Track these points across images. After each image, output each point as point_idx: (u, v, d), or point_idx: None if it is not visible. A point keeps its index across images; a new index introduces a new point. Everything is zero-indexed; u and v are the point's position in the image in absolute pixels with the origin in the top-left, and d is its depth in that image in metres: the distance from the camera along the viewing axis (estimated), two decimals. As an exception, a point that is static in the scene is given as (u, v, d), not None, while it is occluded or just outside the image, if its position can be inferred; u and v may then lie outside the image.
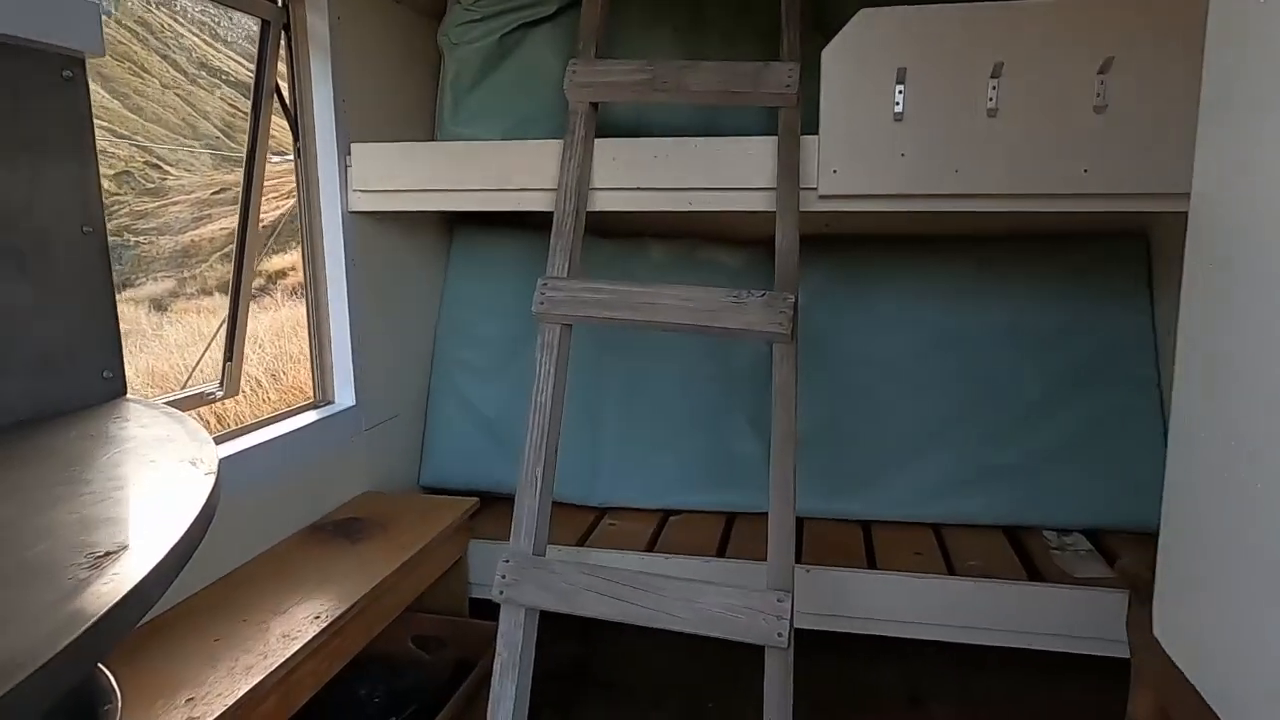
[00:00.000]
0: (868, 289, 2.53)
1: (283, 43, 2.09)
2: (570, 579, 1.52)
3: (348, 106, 2.15)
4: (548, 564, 1.54)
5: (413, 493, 2.57)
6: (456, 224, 2.73)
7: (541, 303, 1.70)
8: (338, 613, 1.57)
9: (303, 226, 2.19)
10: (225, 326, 2.16)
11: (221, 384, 2.15)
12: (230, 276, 2.11)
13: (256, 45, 2.08)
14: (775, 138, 1.88)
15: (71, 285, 1.26)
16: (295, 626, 1.51)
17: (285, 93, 2.13)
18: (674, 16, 2.32)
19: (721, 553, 2.25)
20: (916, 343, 2.50)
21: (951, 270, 2.50)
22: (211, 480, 0.95)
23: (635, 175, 1.97)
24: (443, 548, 2.06)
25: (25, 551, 0.74)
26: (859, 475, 2.46)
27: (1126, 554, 2.19)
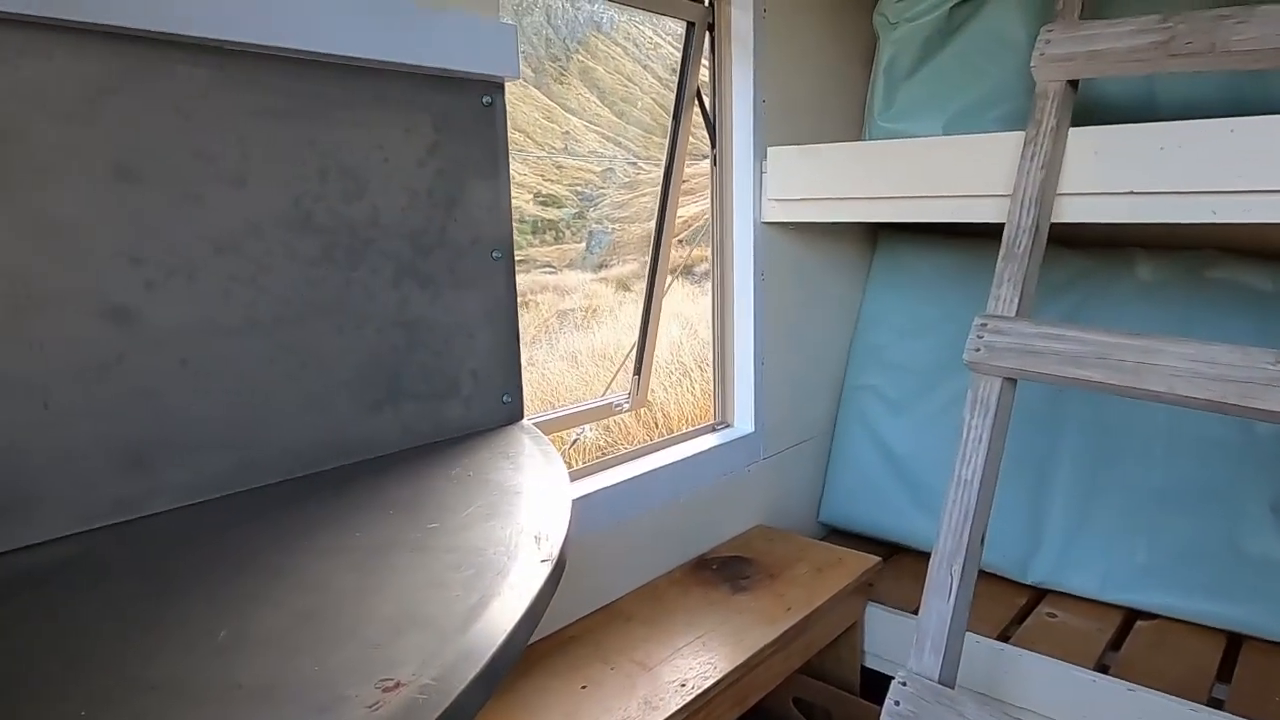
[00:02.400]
0: None
1: (706, 46, 1.98)
2: (988, 723, 1.14)
3: (767, 107, 1.96)
4: (956, 701, 1.18)
5: (807, 530, 2.34)
6: (881, 232, 2.40)
7: (978, 349, 1.32)
8: (707, 683, 1.40)
9: (714, 238, 2.07)
10: (635, 344, 2.15)
11: (629, 396, 2.15)
12: (643, 291, 2.08)
13: (680, 49, 1.99)
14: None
15: (480, 310, 1.25)
16: (659, 692, 1.37)
17: (707, 100, 2.02)
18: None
19: (1217, 701, 1.61)
20: None
21: None
22: (544, 574, 0.81)
23: (1127, 175, 1.45)
24: (837, 611, 1.79)
25: (315, 665, 0.64)
26: None
27: None
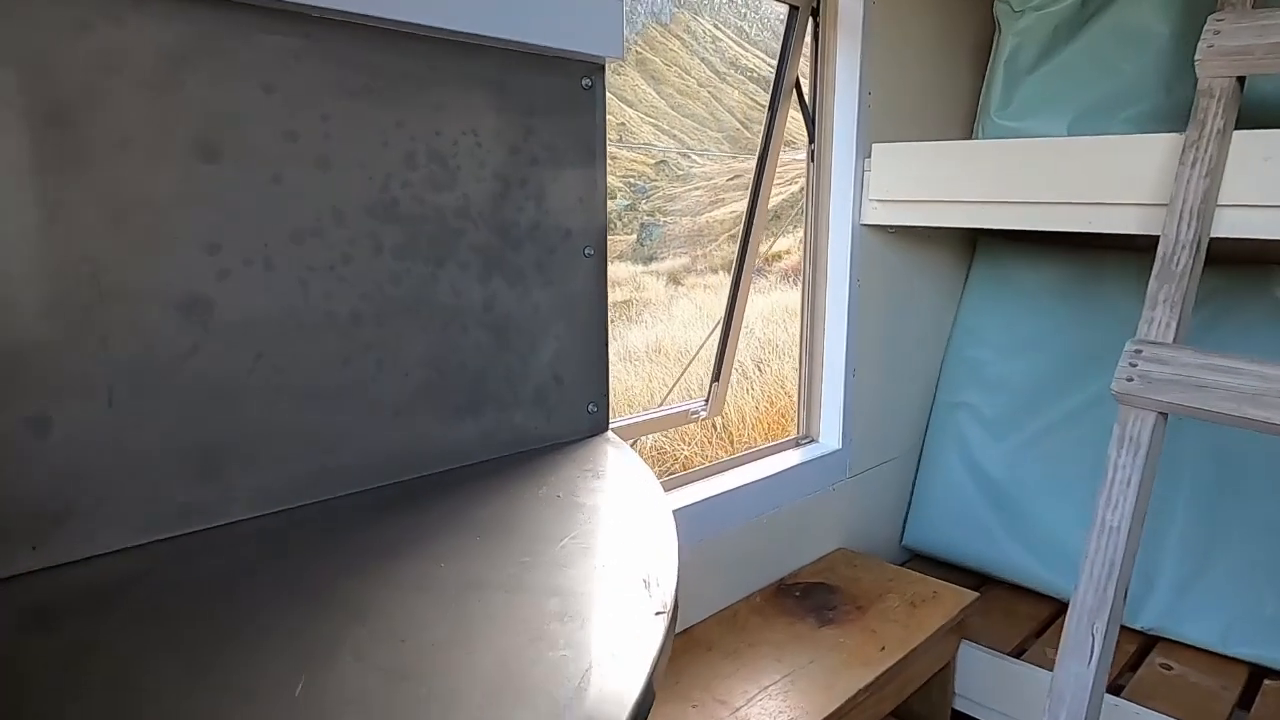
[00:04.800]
0: None
1: (809, 33, 1.84)
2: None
3: (873, 100, 1.81)
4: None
5: (890, 554, 2.19)
6: (980, 239, 2.23)
7: (1130, 379, 1.16)
8: (797, 731, 1.27)
9: (806, 240, 1.93)
10: (716, 350, 2.02)
11: (706, 402, 2.02)
12: (725, 298, 1.96)
13: (782, 36, 1.86)
14: None
15: (570, 311, 1.15)
16: (748, 739, 1.25)
17: (806, 90, 1.88)
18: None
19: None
20: None
21: None
22: (661, 629, 0.69)
23: (1303, 185, 1.28)
24: (932, 652, 1.64)
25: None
26: None
27: None
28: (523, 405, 1.10)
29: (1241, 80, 1.32)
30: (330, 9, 0.85)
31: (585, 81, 1.13)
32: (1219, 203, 1.33)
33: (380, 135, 0.93)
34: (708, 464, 1.81)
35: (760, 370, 5.67)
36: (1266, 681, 1.70)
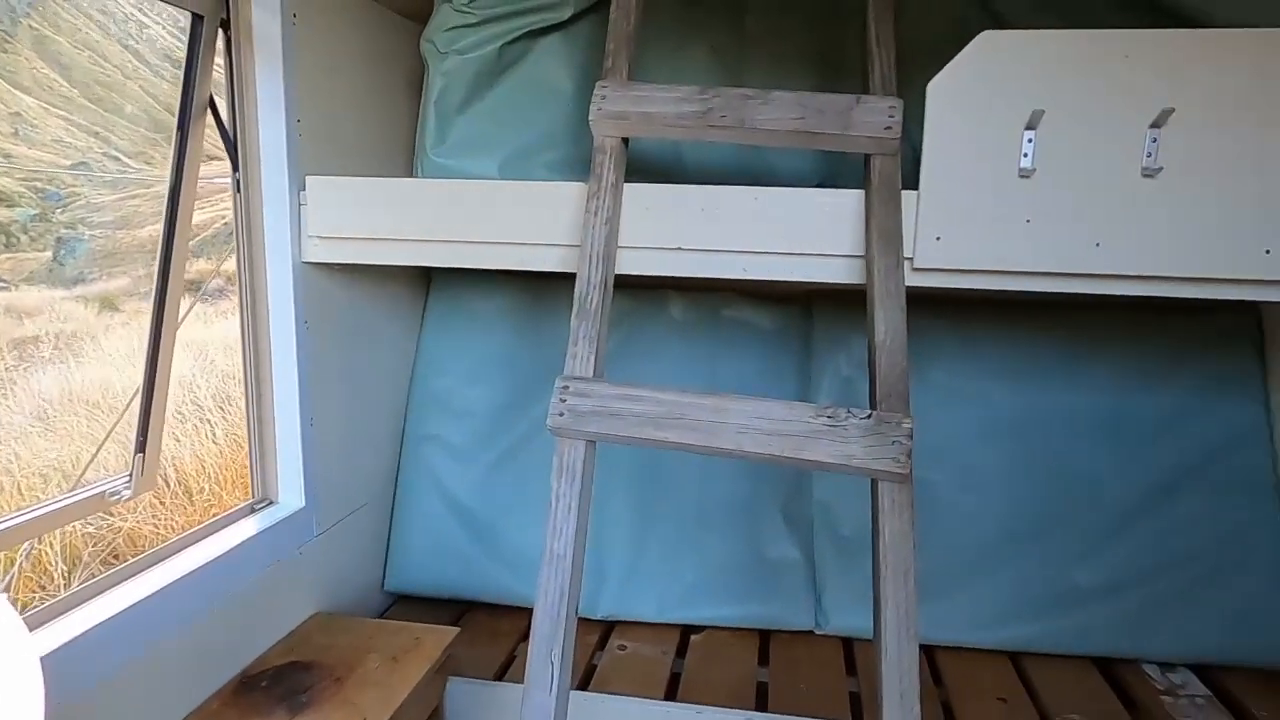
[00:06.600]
0: (915, 357, 2.09)
1: (221, 48, 1.63)
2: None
3: (304, 129, 1.68)
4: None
5: (373, 604, 2.10)
6: (435, 271, 2.27)
7: (561, 413, 1.25)
8: None
9: (241, 281, 1.71)
10: (140, 408, 1.68)
11: (131, 478, 1.67)
12: (146, 345, 1.64)
13: (186, 45, 1.61)
14: (860, 193, 1.46)
15: None
16: None
17: (224, 110, 1.66)
18: (712, 31, 1.89)
19: (762, 700, 1.81)
20: (978, 426, 2.09)
21: (1023, 338, 2.09)
22: None
23: (675, 232, 1.53)
24: (419, 703, 1.59)
25: None
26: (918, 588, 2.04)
27: (1254, 701, 1.80)
28: None
29: (626, 140, 1.54)
30: None
31: None
32: (620, 245, 1.53)
33: None
34: (135, 558, 1.48)
35: (225, 409, 5.03)
36: (692, 637, 2.05)
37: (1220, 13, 1.52)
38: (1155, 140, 1.34)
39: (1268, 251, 1.35)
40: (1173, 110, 1.31)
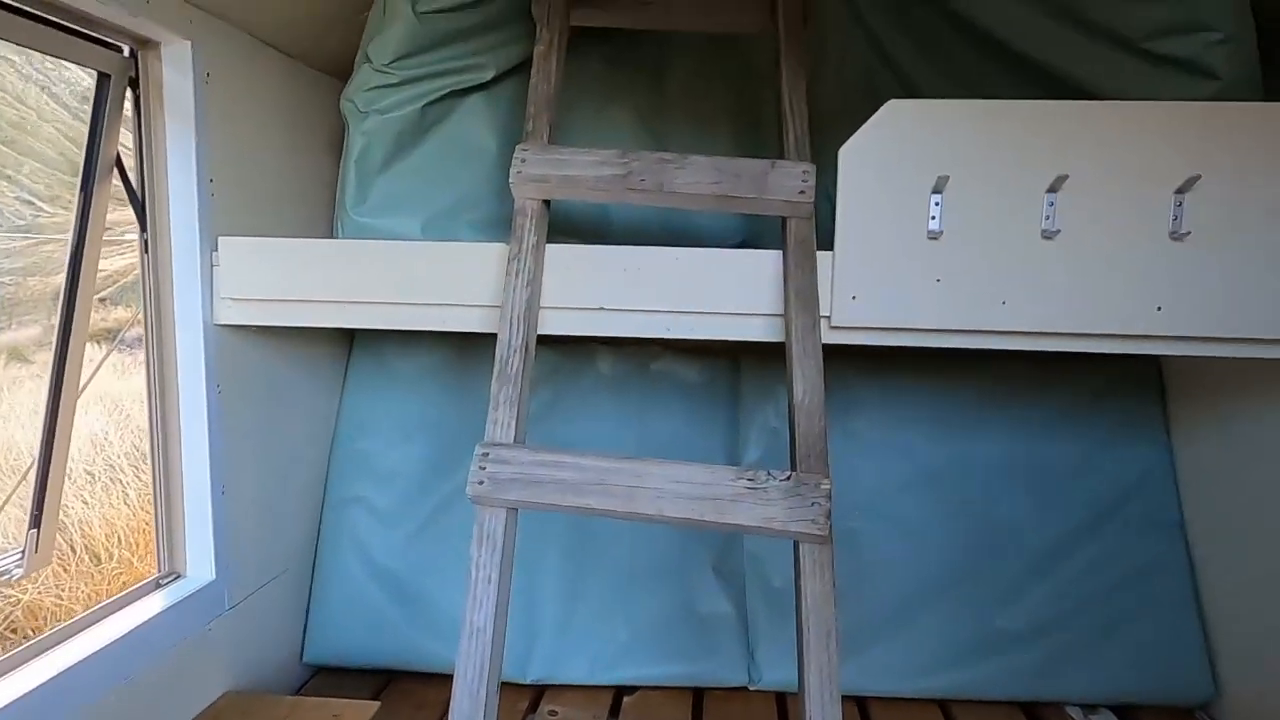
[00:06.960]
0: (839, 409, 2.13)
1: (129, 107, 1.59)
2: None
3: (217, 190, 1.64)
4: None
5: (291, 679, 2.00)
6: (358, 331, 2.22)
7: (481, 481, 1.23)
8: None
9: (148, 344, 1.64)
10: (35, 479, 1.59)
11: (24, 555, 1.58)
12: (43, 416, 1.55)
13: (91, 106, 1.56)
14: (778, 253, 1.49)
15: None
16: None
17: (131, 169, 1.61)
18: (635, 95, 1.93)
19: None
20: (901, 476, 2.13)
21: (941, 388, 2.15)
22: None
23: (598, 293, 1.54)
24: (332, 787, 1.52)
25: None
26: (845, 641, 2.05)
27: (1171, 741, 1.85)
28: None
29: (548, 202, 1.54)
30: None
31: None
32: (542, 305, 1.52)
33: None
34: (36, 634, 1.39)
35: (139, 468, 4.79)
36: (625, 699, 2.01)
37: (1108, 84, 1.61)
38: (1053, 204, 1.41)
39: (1159, 308, 1.42)
40: (1067, 176, 1.38)
